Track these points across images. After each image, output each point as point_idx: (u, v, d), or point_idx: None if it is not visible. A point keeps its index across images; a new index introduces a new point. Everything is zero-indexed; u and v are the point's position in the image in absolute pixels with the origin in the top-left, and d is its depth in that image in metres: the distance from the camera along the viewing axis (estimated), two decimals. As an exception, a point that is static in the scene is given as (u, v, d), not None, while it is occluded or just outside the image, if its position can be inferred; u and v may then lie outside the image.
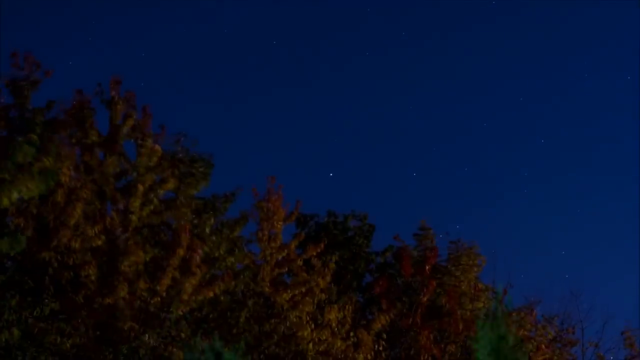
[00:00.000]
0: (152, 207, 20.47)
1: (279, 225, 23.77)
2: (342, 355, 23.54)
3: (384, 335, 24.96)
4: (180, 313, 19.78)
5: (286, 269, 24.03)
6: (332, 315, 23.61)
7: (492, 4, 51.96)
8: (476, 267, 28.65)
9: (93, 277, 18.98)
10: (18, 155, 18.19)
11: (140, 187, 20.16)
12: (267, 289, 22.82)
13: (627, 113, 53.26)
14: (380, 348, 24.76)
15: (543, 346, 28.29)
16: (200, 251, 20.13)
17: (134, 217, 20.03)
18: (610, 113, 54.35)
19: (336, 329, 23.68)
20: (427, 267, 27.43)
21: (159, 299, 19.59)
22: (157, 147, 20.95)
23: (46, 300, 18.70)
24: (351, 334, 24.04)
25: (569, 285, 41.10)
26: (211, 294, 20.37)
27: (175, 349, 19.23)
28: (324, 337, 23.29)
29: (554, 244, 53.74)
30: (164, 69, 53.71)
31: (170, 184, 20.91)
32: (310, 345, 22.88)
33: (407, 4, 53.80)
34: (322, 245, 24.64)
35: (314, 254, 24.36)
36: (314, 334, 23.04)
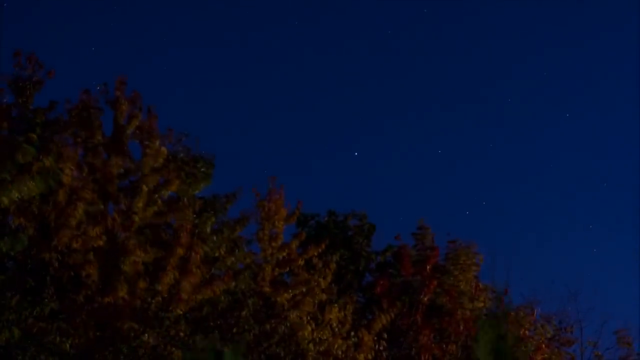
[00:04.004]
0: (155, 207, 20.49)
1: (280, 225, 23.78)
2: (343, 355, 23.54)
3: (385, 335, 24.95)
4: (180, 312, 19.79)
5: (287, 268, 24.03)
6: (333, 315, 23.61)
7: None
8: (474, 266, 28.65)
9: (94, 277, 18.99)
10: (18, 155, 18.22)
11: (145, 188, 20.18)
12: (267, 289, 22.83)
13: (627, 114, 53.27)
14: (381, 348, 24.77)
15: (543, 346, 28.33)
16: (200, 251, 20.15)
17: (136, 218, 20.04)
18: (610, 114, 54.38)
19: (336, 328, 23.68)
20: (428, 267, 27.45)
21: (159, 298, 19.60)
22: (163, 148, 20.98)
23: (46, 300, 18.70)
24: (352, 333, 24.05)
25: (568, 285, 41.13)
26: (211, 294, 20.38)
27: (174, 349, 19.24)
28: (325, 337, 23.30)
29: (554, 244, 53.67)
30: (166, 69, 53.74)
31: (175, 186, 20.94)
32: (311, 345, 22.89)
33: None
34: (323, 246, 24.64)
35: (315, 254, 24.35)
36: (315, 334, 23.04)
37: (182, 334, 19.67)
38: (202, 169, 22.35)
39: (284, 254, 23.73)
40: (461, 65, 55.14)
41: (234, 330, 21.22)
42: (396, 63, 54.32)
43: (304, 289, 23.24)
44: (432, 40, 55.06)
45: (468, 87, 55.10)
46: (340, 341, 23.54)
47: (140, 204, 20.17)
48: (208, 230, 22.06)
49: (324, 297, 23.67)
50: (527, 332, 27.96)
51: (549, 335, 29.82)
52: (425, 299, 27.04)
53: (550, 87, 53.76)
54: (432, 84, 55.41)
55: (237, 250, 22.73)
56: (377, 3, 52.15)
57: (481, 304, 27.69)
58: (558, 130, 53.82)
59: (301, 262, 23.94)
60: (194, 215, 21.55)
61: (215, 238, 22.12)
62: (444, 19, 53.23)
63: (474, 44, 54.13)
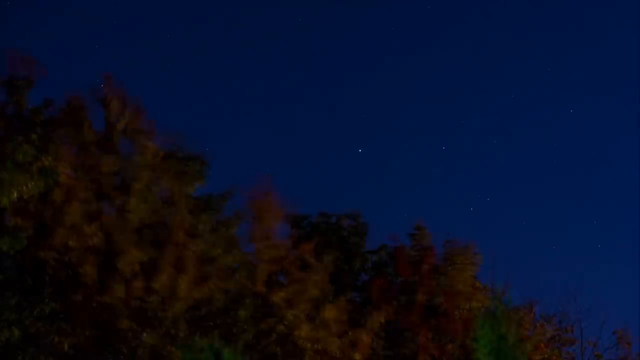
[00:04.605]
0: (149, 205, 20.45)
1: (272, 224, 23.72)
2: (339, 354, 23.50)
3: (382, 334, 24.91)
4: (178, 311, 19.76)
5: (280, 267, 23.98)
6: (329, 314, 23.57)
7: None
8: (472, 266, 28.59)
9: (91, 276, 18.95)
10: (18, 155, 18.19)
11: (137, 185, 20.14)
12: (261, 288, 22.77)
13: (629, 111, 53.26)
14: (378, 346, 24.72)
15: (542, 345, 28.31)
16: (194, 248, 20.11)
17: (131, 216, 20.01)
18: (612, 111, 54.41)
19: (332, 327, 23.63)
20: (425, 267, 27.38)
21: (156, 297, 19.57)
22: (153, 145, 20.96)
23: (46, 300, 18.66)
24: (348, 332, 24.00)
25: (568, 285, 41.10)
26: (206, 289, 20.34)
27: (173, 348, 19.21)
28: (321, 336, 23.25)
29: (554, 244, 53.63)
30: (161, 68, 53.70)
31: (166, 182, 20.89)
32: (308, 343, 22.84)
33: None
34: (314, 243, 24.59)
35: (307, 250, 24.29)
36: (311, 333, 23.00)
37: (181, 334, 19.64)
38: (196, 168, 22.30)
39: (277, 252, 23.67)
40: (463, 64, 55.16)
41: (233, 329, 21.19)
42: (396, 61, 54.33)
43: (298, 287, 23.20)
44: (433, 39, 55.09)
45: (469, 85, 55.07)
46: (336, 340, 23.50)
47: (134, 202, 20.13)
48: (205, 229, 22.01)
49: (317, 292, 23.60)
50: (525, 332, 27.93)
51: (548, 335, 29.82)
52: (422, 298, 26.98)
53: (552, 85, 53.77)
54: (432, 82, 55.42)
55: (233, 250, 22.69)
56: (377, 2, 52.16)
57: (478, 304, 27.64)
58: (560, 128, 53.85)
59: (294, 260, 23.90)
60: (190, 215, 21.50)
61: (210, 237, 22.05)
62: (446, 17, 53.27)
63: (476, 42, 54.13)
